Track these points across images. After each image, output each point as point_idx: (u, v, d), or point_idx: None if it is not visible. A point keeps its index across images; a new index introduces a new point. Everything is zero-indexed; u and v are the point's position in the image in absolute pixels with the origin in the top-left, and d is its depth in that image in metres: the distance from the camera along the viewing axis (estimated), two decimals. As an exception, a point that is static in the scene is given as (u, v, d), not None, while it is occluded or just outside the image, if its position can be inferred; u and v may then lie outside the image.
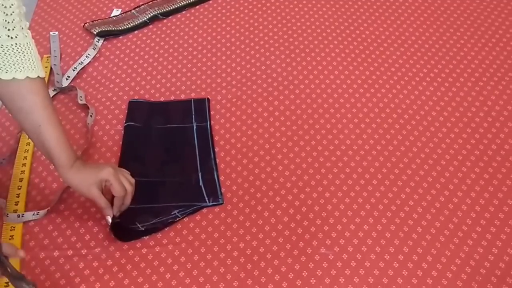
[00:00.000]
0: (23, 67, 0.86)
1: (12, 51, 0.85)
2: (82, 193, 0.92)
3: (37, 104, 0.88)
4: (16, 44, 0.86)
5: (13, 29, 0.85)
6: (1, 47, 0.85)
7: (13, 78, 0.86)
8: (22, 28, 0.86)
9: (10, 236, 0.94)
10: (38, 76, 0.88)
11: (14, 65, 0.86)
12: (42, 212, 0.97)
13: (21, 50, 0.86)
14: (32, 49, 0.88)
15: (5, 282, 0.88)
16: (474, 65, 1.23)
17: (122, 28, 1.31)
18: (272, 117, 1.13)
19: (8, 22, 0.84)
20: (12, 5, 0.83)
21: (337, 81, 1.19)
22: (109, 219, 0.92)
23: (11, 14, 0.83)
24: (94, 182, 0.90)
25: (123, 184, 0.91)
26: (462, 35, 1.30)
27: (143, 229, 0.92)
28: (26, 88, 0.88)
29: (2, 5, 0.82)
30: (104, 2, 1.38)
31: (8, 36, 0.85)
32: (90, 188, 0.90)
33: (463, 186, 1.02)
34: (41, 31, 1.31)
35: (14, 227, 0.96)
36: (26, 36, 0.87)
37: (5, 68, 0.85)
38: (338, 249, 0.93)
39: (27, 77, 0.87)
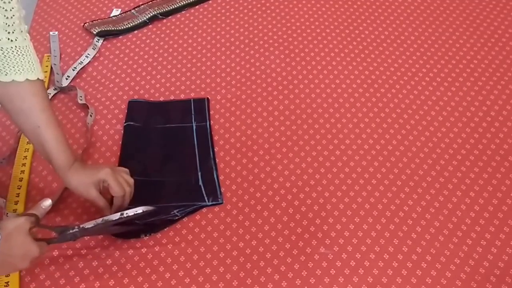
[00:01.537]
0: (23, 70, 0.87)
1: (12, 53, 0.87)
2: (80, 194, 0.93)
3: (36, 106, 0.89)
4: (15, 46, 0.87)
5: (13, 32, 0.86)
6: (1, 50, 0.86)
7: (13, 80, 0.87)
8: (22, 31, 0.88)
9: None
10: (38, 78, 0.89)
11: (13, 67, 0.87)
12: (42, 211, 0.97)
13: (21, 52, 0.87)
14: (31, 51, 0.89)
15: (5, 282, 0.88)
16: (473, 64, 1.23)
17: (122, 28, 1.31)
18: (272, 117, 1.13)
19: (9, 25, 0.85)
20: (12, 8, 0.84)
21: (336, 81, 1.19)
22: (109, 219, 0.93)
23: (11, 17, 0.85)
24: (92, 183, 0.90)
25: (121, 184, 0.91)
26: (461, 34, 1.30)
27: (142, 226, 0.92)
28: (25, 90, 0.88)
29: (3, 8, 0.83)
30: (103, 2, 1.39)
31: (8, 39, 0.86)
32: (88, 189, 0.90)
33: (462, 186, 1.02)
34: (41, 31, 1.32)
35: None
36: (25, 39, 0.89)
37: (4, 71, 0.86)
38: (337, 248, 0.93)
39: (27, 79, 0.88)
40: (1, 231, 0.77)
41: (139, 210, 0.89)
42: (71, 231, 0.86)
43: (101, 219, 0.88)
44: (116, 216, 0.88)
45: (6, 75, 0.87)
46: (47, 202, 0.86)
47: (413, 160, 1.05)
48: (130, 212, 0.89)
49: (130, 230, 0.94)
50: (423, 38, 1.29)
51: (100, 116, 1.14)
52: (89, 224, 0.87)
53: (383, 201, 1.00)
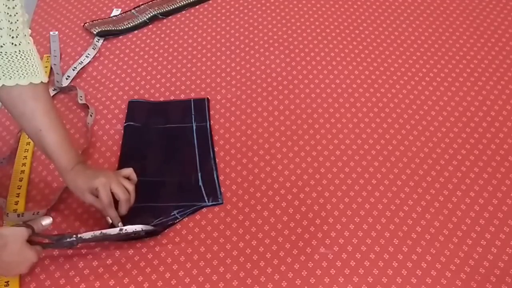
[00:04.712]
0: (27, 73, 0.88)
1: (16, 58, 0.88)
2: (78, 196, 0.93)
3: (38, 110, 0.90)
4: (19, 51, 0.88)
5: (16, 37, 0.87)
6: (5, 54, 0.87)
7: (17, 84, 0.88)
8: (25, 35, 0.89)
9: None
10: (41, 82, 0.90)
11: (17, 71, 0.88)
12: (42, 211, 0.97)
13: (24, 56, 0.88)
14: (34, 55, 0.90)
15: (5, 282, 0.88)
16: (473, 64, 1.23)
17: (122, 28, 1.31)
18: (272, 117, 1.13)
19: (12, 30, 0.86)
20: (16, 13, 0.86)
21: (336, 81, 1.19)
22: (109, 220, 0.92)
23: (15, 22, 0.86)
24: (88, 188, 0.90)
25: (116, 192, 0.90)
26: (461, 34, 1.30)
27: (144, 232, 0.92)
28: (28, 94, 0.89)
29: (7, 13, 0.84)
30: (104, 2, 1.39)
31: (12, 43, 0.87)
32: (84, 194, 0.91)
33: (462, 186, 1.02)
34: (41, 31, 1.32)
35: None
36: (28, 43, 0.90)
37: (8, 75, 0.87)
38: (337, 248, 0.93)
39: (30, 83, 0.88)
40: None
41: (139, 228, 0.91)
42: (68, 240, 0.88)
43: (99, 231, 0.90)
44: (115, 231, 0.90)
45: (10, 79, 0.88)
46: (48, 221, 0.88)
47: (413, 160, 1.06)
48: (130, 229, 0.90)
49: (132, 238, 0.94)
50: (423, 38, 1.29)
51: (100, 116, 1.14)
52: (87, 235, 0.89)
53: (383, 201, 1.00)
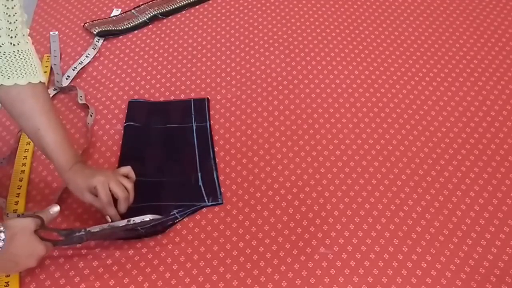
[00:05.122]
0: (25, 73, 0.89)
1: (14, 57, 0.88)
2: (77, 196, 0.93)
3: (37, 109, 0.90)
4: (18, 51, 0.88)
5: (15, 36, 0.87)
6: (4, 54, 0.87)
7: (15, 84, 0.88)
8: (24, 35, 0.89)
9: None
10: (40, 81, 0.90)
11: (16, 71, 0.88)
12: (42, 211, 0.97)
13: (23, 56, 0.89)
14: (33, 55, 0.91)
15: (5, 282, 0.88)
16: (473, 64, 1.23)
17: (122, 28, 1.31)
18: (272, 117, 1.13)
19: (11, 30, 0.86)
20: (15, 13, 0.86)
21: (336, 81, 1.19)
22: (109, 219, 0.92)
23: (14, 22, 0.86)
24: (86, 187, 0.90)
25: (115, 190, 0.90)
26: (461, 34, 1.30)
27: (143, 231, 0.92)
28: (26, 93, 0.90)
29: (6, 13, 0.85)
30: (104, 2, 1.39)
31: (11, 43, 0.87)
32: (83, 193, 0.91)
33: (462, 186, 1.02)
34: (41, 31, 1.32)
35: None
36: (27, 42, 0.90)
37: (7, 74, 0.88)
38: (337, 248, 0.93)
39: (29, 82, 0.88)
40: (6, 230, 0.78)
41: (146, 218, 0.90)
42: (77, 234, 0.87)
43: (107, 224, 0.90)
44: (123, 222, 0.90)
45: (8, 78, 0.88)
46: (56, 208, 0.88)
47: (413, 160, 1.06)
48: (137, 219, 0.90)
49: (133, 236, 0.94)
50: (423, 38, 1.29)
51: (100, 116, 1.14)
52: (95, 228, 0.89)
53: (383, 201, 1.00)
